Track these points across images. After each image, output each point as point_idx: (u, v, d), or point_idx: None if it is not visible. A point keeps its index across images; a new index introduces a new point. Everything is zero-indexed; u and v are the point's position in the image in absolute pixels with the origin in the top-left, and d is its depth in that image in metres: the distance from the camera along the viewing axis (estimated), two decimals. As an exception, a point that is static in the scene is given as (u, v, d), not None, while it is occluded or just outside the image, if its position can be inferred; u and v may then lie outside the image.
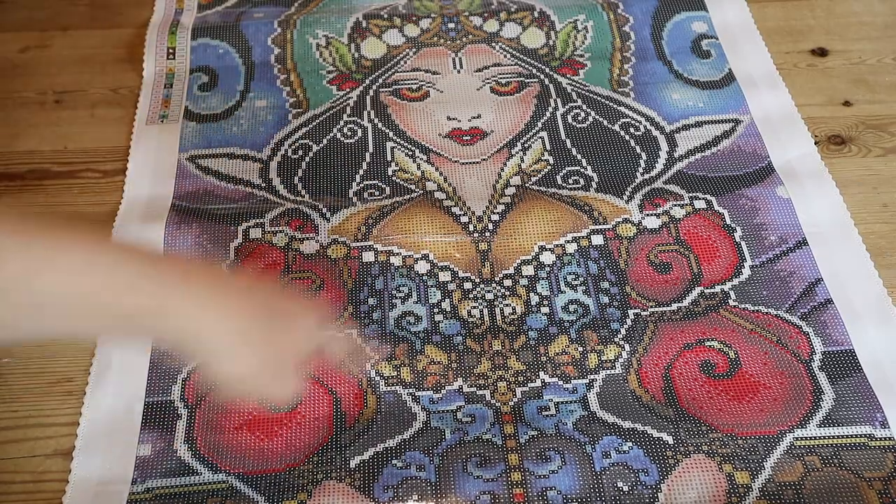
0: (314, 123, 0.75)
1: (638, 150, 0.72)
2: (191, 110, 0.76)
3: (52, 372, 0.59)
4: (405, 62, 0.80)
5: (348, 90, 0.78)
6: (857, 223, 0.67)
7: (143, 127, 0.74)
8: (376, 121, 0.75)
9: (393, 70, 0.79)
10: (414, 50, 0.81)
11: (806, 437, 0.55)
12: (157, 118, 0.75)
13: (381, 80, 0.78)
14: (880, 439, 0.55)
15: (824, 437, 0.56)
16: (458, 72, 0.79)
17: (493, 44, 0.81)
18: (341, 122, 0.75)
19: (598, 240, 0.66)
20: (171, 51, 0.80)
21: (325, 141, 0.73)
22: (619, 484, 0.54)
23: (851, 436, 0.56)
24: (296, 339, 0.48)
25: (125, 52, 0.81)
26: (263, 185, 0.70)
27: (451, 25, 0.83)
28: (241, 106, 0.76)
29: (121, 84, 0.78)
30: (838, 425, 0.56)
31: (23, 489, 0.54)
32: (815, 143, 0.73)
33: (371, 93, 0.77)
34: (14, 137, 0.74)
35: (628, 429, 0.56)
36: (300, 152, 0.72)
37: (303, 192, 0.70)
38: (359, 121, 0.75)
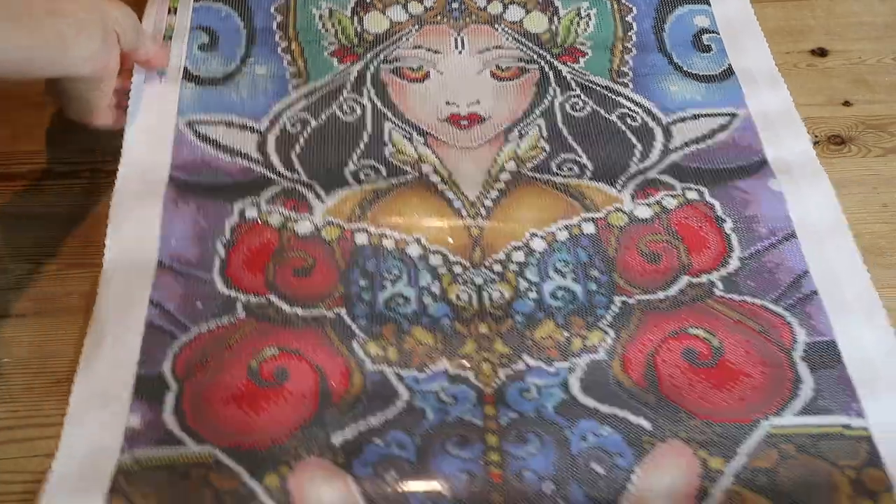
0: (314, 97, 0.75)
1: (634, 140, 0.73)
2: (190, 71, 0.75)
3: (52, 372, 0.59)
4: (407, 39, 0.80)
5: (349, 63, 0.78)
6: (856, 223, 0.67)
7: (141, 87, 0.73)
8: (376, 100, 0.75)
9: (395, 46, 0.79)
10: (417, 27, 0.81)
11: (782, 426, 0.57)
12: (156, 74, 0.74)
13: (382, 56, 0.78)
14: (855, 429, 0.57)
15: (800, 426, 0.57)
16: (460, 52, 0.79)
17: (496, 25, 0.81)
18: (341, 98, 0.75)
19: (589, 228, 0.67)
20: (172, 9, 0.80)
21: (323, 116, 0.73)
22: (595, 466, 0.55)
23: (827, 425, 0.57)
24: None
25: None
26: (261, 159, 0.70)
27: (455, 5, 0.83)
28: (241, 71, 0.76)
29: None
30: (815, 414, 0.57)
31: (23, 489, 0.54)
32: (815, 143, 0.73)
33: (372, 68, 0.77)
34: (14, 137, 0.73)
35: (607, 413, 0.57)
36: (298, 126, 0.73)
37: (299, 168, 0.70)
38: (358, 98, 0.75)
